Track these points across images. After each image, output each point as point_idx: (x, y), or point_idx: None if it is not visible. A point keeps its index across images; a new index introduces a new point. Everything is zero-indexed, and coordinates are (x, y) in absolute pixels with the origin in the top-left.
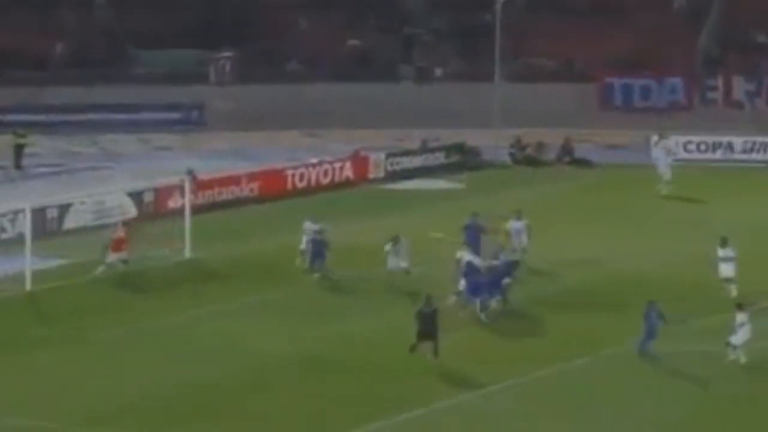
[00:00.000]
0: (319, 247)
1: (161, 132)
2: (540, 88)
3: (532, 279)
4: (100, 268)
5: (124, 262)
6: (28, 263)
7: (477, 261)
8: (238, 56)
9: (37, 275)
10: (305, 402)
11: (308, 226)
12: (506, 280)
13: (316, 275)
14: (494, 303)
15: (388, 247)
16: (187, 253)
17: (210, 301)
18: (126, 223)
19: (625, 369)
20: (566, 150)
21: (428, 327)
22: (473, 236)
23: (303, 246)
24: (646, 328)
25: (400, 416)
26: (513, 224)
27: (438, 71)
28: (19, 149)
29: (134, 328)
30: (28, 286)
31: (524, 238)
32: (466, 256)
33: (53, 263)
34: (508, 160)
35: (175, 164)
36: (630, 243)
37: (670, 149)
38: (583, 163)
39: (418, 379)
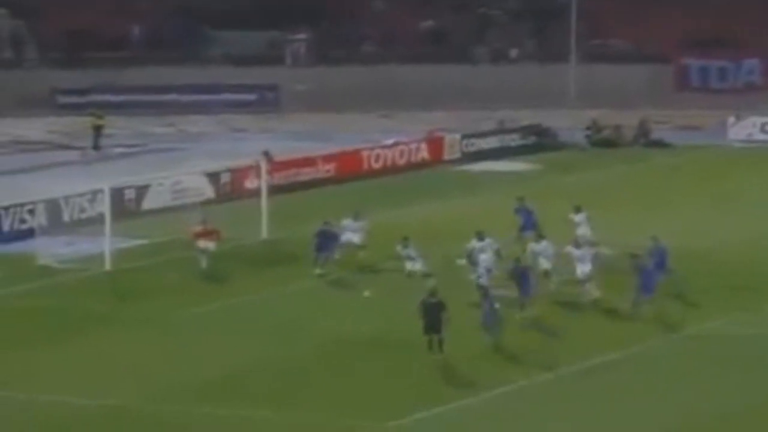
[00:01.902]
0: (326, 240)
1: (237, 113)
2: (615, 69)
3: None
4: (203, 261)
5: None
6: (107, 243)
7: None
8: (313, 37)
9: (117, 255)
10: (375, 382)
11: (347, 224)
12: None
13: (317, 271)
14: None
15: (398, 248)
16: (264, 234)
17: (286, 282)
18: (202, 205)
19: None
20: (643, 131)
21: (433, 319)
22: (527, 218)
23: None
24: (485, 312)
25: (469, 399)
26: (576, 217)
27: (513, 52)
28: (97, 130)
29: (212, 308)
30: (107, 266)
31: (587, 231)
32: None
33: (132, 243)
34: (584, 141)
35: (251, 145)
36: (707, 225)
37: None
38: (659, 144)
39: (482, 363)
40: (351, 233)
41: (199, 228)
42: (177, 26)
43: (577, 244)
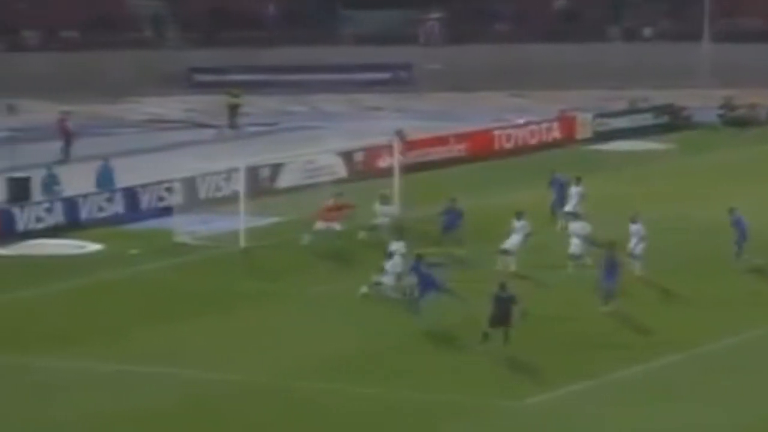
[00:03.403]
0: (453, 218)
1: (371, 92)
2: (749, 48)
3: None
4: (306, 237)
5: (333, 230)
6: (242, 221)
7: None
8: (446, 17)
9: (251, 233)
10: (497, 362)
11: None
12: None
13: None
14: None
15: (394, 246)
16: (396, 213)
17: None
18: (335, 184)
19: None
20: None
21: (503, 313)
22: (559, 191)
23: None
24: (421, 281)
25: (583, 383)
26: (573, 189)
27: (647, 31)
28: (233, 109)
29: (343, 285)
30: (242, 244)
31: (578, 205)
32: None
33: (266, 221)
34: (717, 120)
35: (384, 124)
36: None
37: None
38: None
39: (590, 351)
40: (383, 217)
41: (330, 202)
42: (312, 6)
43: (634, 219)
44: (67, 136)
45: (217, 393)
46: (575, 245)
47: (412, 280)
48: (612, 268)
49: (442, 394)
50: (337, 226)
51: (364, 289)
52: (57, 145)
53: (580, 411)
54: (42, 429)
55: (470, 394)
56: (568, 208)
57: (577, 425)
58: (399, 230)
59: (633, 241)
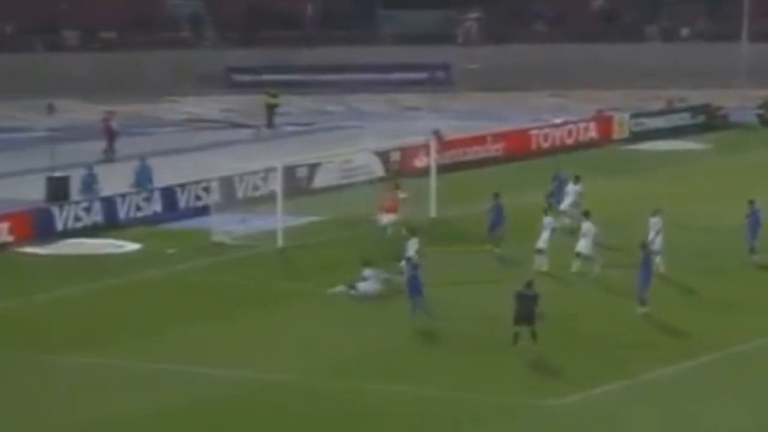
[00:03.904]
0: (499, 216)
1: (408, 92)
2: None
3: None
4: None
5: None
6: (279, 220)
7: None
8: (484, 17)
9: (288, 232)
10: (523, 361)
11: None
12: None
13: (496, 250)
14: None
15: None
16: (432, 213)
17: (453, 259)
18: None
19: None
20: None
21: (527, 311)
22: (558, 188)
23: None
24: (408, 283)
25: (617, 383)
26: (570, 187)
27: (684, 31)
28: (270, 109)
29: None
30: (279, 243)
31: (576, 204)
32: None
33: (303, 220)
34: (755, 120)
35: (422, 124)
36: None
37: None
38: None
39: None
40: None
41: (384, 198)
42: (350, 5)
43: (654, 213)
44: (111, 136)
45: (246, 392)
46: (582, 245)
47: (402, 279)
48: (647, 268)
49: (475, 393)
50: (383, 220)
51: (352, 291)
52: (97, 145)
53: (612, 411)
54: (75, 427)
55: (503, 393)
56: (563, 206)
57: (609, 425)
58: (412, 228)
59: (651, 234)
